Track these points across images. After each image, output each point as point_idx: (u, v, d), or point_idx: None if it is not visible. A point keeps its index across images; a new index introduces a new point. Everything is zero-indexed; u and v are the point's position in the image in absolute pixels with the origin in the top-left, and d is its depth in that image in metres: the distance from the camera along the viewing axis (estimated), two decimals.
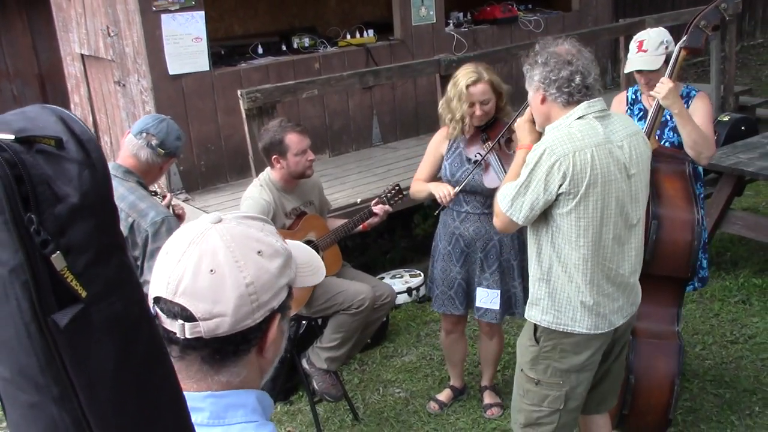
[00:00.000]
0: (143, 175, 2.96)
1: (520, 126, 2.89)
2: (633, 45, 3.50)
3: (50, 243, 0.70)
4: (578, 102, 2.56)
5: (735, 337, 4.54)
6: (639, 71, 3.49)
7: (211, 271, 1.08)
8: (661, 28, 3.56)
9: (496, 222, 2.76)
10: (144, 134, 2.92)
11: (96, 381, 0.77)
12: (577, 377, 2.73)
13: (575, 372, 2.72)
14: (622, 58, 6.39)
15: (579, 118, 2.55)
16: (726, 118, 5.95)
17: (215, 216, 1.16)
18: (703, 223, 3.53)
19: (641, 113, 3.63)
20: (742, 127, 5.80)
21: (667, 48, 3.40)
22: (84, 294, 0.72)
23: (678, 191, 3.14)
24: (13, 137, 0.70)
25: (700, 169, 3.68)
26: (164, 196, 3.30)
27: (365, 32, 6.67)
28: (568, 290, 2.64)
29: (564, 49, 2.60)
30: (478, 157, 3.50)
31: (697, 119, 3.36)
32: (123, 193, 2.86)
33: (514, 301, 3.75)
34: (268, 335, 1.16)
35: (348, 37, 6.67)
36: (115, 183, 2.89)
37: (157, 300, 1.11)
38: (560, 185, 2.50)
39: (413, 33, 6.72)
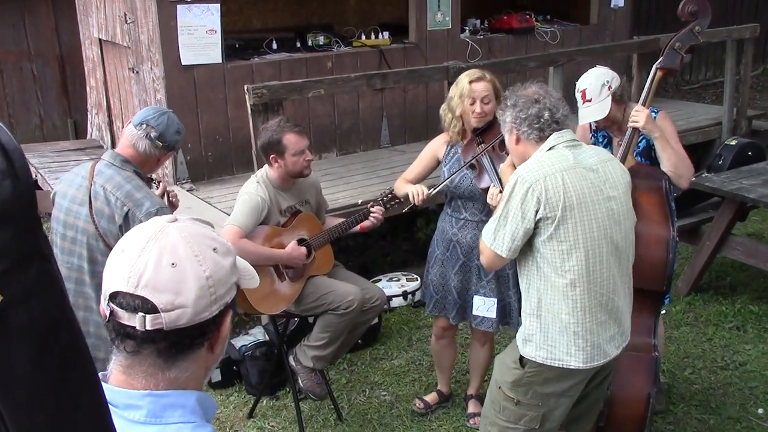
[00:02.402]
0: (140, 166, 2.99)
1: (504, 171, 2.98)
2: (577, 95, 3.48)
3: None
4: (549, 137, 2.64)
5: (726, 363, 4.52)
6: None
7: (173, 264, 1.13)
8: (599, 69, 3.52)
9: (483, 260, 2.81)
10: (144, 126, 2.95)
11: (11, 382, 0.79)
12: (556, 401, 2.74)
13: (555, 396, 2.73)
14: (635, 75, 6.38)
15: (550, 149, 2.62)
16: (733, 142, 5.91)
17: (171, 216, 1.22)
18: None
19: (605, 140, 3.67)
20: (749, 153, 5.75)
21: (610, 87, 3.40)
22: (0, 298, 0.75)
23: (654, 207, 3.18)
24: None
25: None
26: (159, 182, 3.35)
27: (380, 34, 6.69)
28: (559, 323, 2.63)
29: (531, 91, 2.71)
30: (474, 161, 3.53)
31: None
32: (119, 182, 2.90)
33: (509, 311, 3.75)
34: (221, 329, 1.21)
35: (363, 37, 6.69)
36: (112, 172, 2.93)
37: (114, 296, 1.14)
38: (536, 211, 2.53)
39: (428, 37, 6.73)
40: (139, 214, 2.84)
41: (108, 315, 1.13)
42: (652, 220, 3.13)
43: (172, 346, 1.16)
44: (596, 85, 3.41)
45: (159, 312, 1.12)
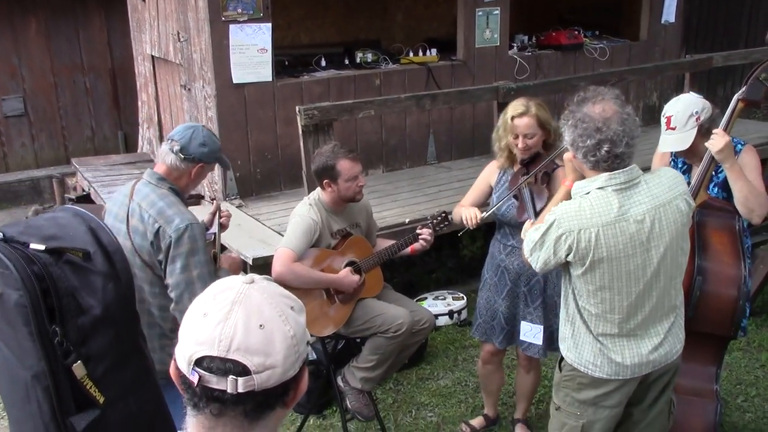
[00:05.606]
0: (175, 181, 3.05)
1: (566, 161, 2.83)
2: (662, 120, 3.30)
3: (72, 353, 0.76)
4: (604, 170, 2.51)
5: None
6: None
7: (261, 326, 1.15)
8: (690, 97, 3.32)
9: (522, 256, 2.83)
10: (170, 141, 3.04)
11: None
12: (594, 411, 2.75)
13: (592, 405, 2.75)
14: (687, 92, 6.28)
15: (599, 188, 2.52)
16: None
17: (248, 277, 1.23)
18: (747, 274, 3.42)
19: (685, 166, 3.50)
20: None
21: (698, 118, 3.20)
22: (101, 400, 0.78)
23: (726, 246, 3.06)
24: (43, 247, 0.76)
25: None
26: (213, 199, 3.40)
27: (428, 51, 6.70)
28: (588, 338, 2.69)
29: (597, 112, 2.48)
30: (516, 191, 3.52)
31: (747, 175, 3.22)
32: (154, 199, 2.97)
33: (556, 337, 3.72)
34: (300, 386, 1.22)
35: (411, 54, 6.71)
36: (148, 189, 2.99)
37: (200, 361, 1.15)
38: (567, 254, 2.55)
39: (476, 54, 6.72)
40: (169, 230, 2.89)
41: (197, 381, 1.14)
42: (722, 261, 3.02)
43: (258, 407, 1.16)
44: (684, 113, 3.21)
45: (251, 374, 1.13)
